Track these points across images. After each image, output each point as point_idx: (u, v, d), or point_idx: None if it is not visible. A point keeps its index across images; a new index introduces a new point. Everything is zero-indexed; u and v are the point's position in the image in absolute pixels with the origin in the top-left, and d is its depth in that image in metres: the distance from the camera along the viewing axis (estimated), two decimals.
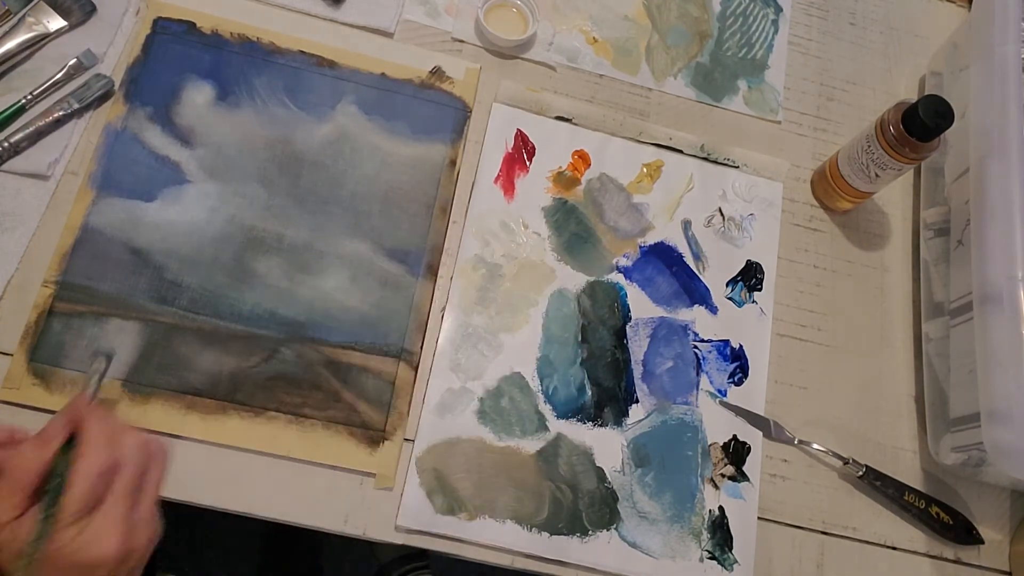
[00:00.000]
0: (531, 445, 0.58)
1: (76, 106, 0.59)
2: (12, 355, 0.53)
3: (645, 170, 0.68)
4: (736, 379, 0.63)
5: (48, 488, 0.39)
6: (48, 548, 0.38)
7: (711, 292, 0.65)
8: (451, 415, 0.58)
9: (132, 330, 0.55)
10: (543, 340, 0.61)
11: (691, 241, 0.67)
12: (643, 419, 0.60)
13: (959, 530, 0.61)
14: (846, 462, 0.61)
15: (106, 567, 0.40)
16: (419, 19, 0.69)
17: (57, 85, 0.60)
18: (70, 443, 0.41)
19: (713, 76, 0.74)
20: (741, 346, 0.64)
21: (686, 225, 0.67)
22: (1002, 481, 0.63)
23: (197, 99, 0.62)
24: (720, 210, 0.68)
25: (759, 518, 0.60)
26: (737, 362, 0.64)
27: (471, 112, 0.67)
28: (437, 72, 0.67)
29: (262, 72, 0.64)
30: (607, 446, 0.59)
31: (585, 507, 0.57)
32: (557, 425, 0.59)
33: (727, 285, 0.66)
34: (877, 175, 0.64)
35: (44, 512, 0.39)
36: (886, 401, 0.66)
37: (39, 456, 0.40)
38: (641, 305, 0.64)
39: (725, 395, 0.63)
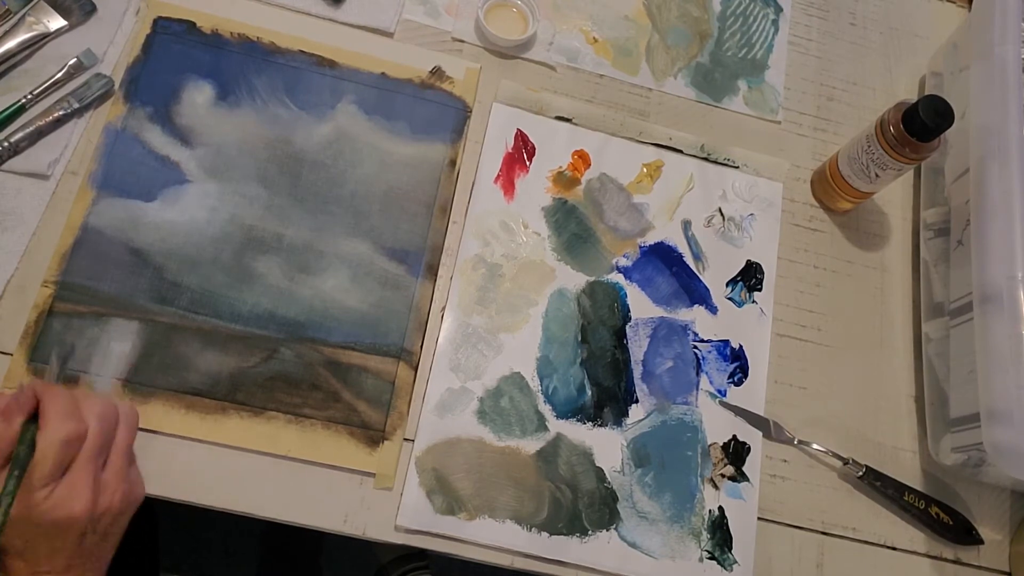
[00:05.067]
0: (531, 445, 0.58)
1: (76, 106, 0.59)
2: (12, 355, 0.53)
3: (645, 170, 0.68)
4: (736, 379, 0.63)
5: (14, 456, 0.43)
6: (16, 510, 0.42)
7: (711, 292, 0.65)
8: (451, 415, 0.58)
9: (132, 330, 0.55)
10: (543, 340, 0.61)
11: (691, 241, 0.67)
12: (643, 419, 0.60)
13: (959, 530, 0.61)
14: (846, 462, 0.61)
15: (78, 525, 0.44)
16: (419, 19, 0.69)
17: (57, 85, 0.60)
18: (35, 418, 0.45)
19: (713, 76, 0.74)
20: (741, 346, 0.64)
21: (686, 225, 0.67)
22: (1002, 481, 0.63)
23: (197, 99, 0.62)
24: (720, 210, 0.68)
25: (759, 518, 0.60)
26: (737, 362, 0.64)
27: (471, 112, 0.67)
28: (437, 72, 0.67)
29: (262, 72, 0.64)
30: (607, 446, 0.59)
31: (585, 507, 0.57)
32: (557, 425, 0.59)
33: (727, 285, 0.66)
34: (877, 175, 0.64)
35: (9, 478, 0.42)
36: (886, 401, 0.66)
37: (3, 430, 0.44)
38: (641, 305, 0.64)
39: (725, 395, 0.63)
